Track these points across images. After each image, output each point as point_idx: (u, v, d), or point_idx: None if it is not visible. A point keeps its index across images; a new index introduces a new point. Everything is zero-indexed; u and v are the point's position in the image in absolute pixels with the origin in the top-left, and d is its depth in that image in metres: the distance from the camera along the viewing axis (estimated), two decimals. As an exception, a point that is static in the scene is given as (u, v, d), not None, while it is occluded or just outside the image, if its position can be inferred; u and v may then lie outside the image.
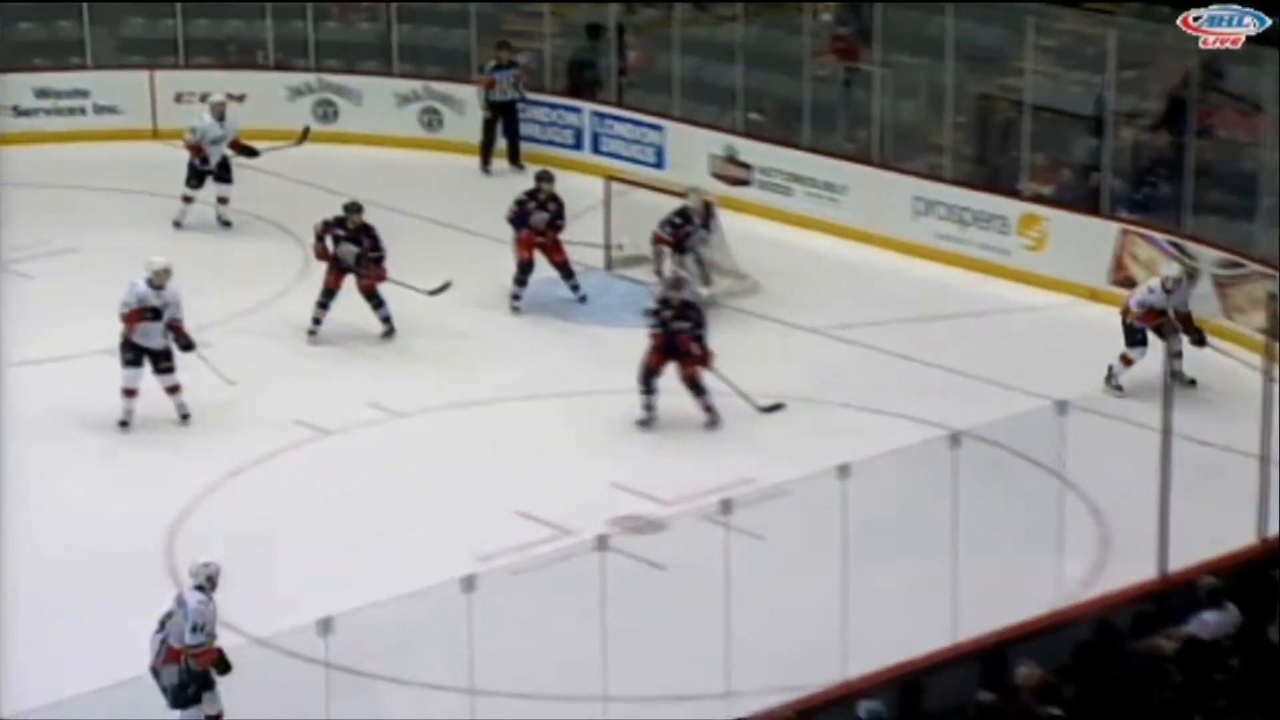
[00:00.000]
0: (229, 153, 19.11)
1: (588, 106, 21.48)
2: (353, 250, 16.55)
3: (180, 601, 10.91)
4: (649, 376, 15.19)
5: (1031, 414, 12.92)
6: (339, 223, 16.70)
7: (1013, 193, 18.89)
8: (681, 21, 21.14)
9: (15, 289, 17.37)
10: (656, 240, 17.52)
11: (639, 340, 16.40)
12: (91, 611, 12.39)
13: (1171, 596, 11.00)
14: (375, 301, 16.73)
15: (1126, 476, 13.99)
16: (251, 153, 19.19)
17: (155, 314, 14.79)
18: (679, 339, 15.13)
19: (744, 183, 20.34)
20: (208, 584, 10.93)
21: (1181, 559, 11.51)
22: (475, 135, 21.17)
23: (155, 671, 10.92)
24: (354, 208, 16.75)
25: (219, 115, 19.07)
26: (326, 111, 22.07)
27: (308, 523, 13.54)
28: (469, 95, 21.52)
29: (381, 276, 16.67)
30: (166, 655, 10.87)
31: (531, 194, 17.45)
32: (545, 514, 13.59)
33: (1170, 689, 8.99)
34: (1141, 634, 9.88)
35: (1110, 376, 15.82)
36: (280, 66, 22.34)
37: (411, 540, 13.33)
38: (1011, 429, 12.94)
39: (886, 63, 19.72)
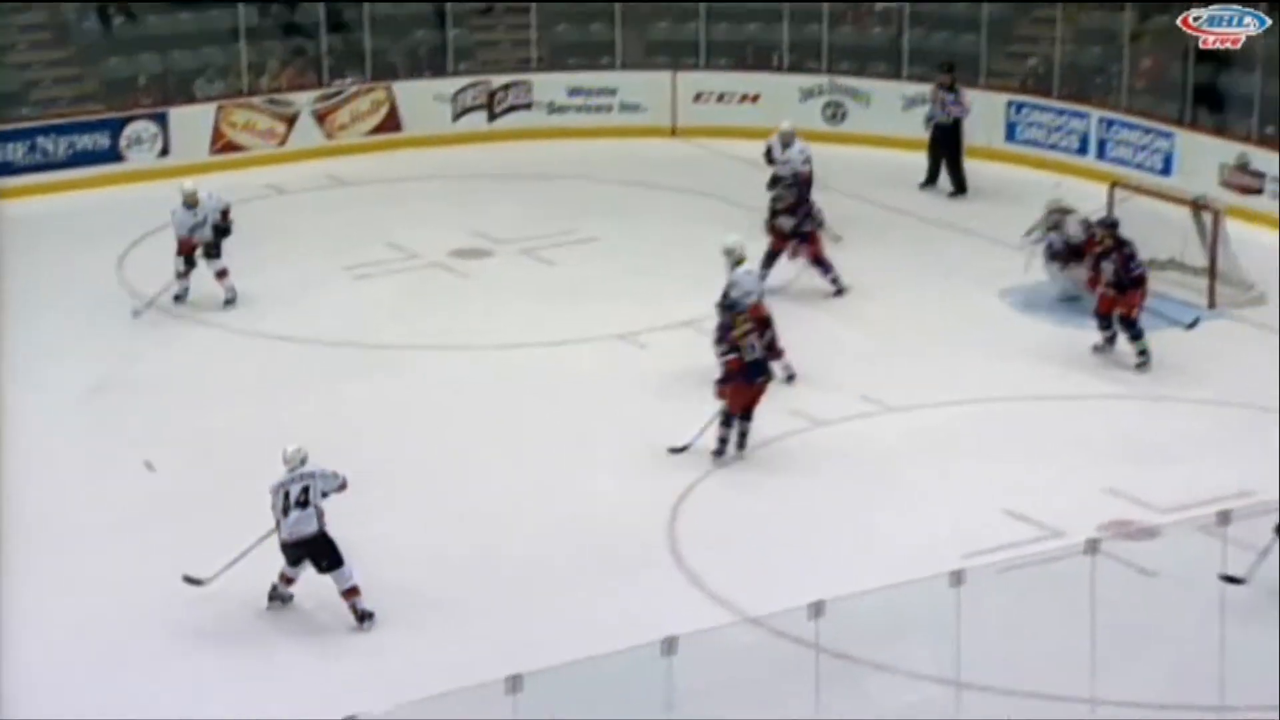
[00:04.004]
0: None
1: (1095, 112, 21.28)
2: (789, 222, 17.49)
3: (305, 477, 12.02)
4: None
5: None
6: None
7: None
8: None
9: (541, 274, 18.21)
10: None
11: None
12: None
13: None
14: (822, 268, 17.61)
15: None
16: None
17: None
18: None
19: (1256, 191, 19.84)
20: (300, 464, 12.11)
21: None
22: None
23: (319, 536, 12.01)
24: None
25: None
26: (835, 113, 22.50)
27: (796, 510, 13.75)
28: (975, 99, 21.52)
29: (808, 251, 17.55)
30: (320, 515, 12.04)
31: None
32: (1035, 514, 13.54)
33: None
34: None
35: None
36: (794, 68, 22.85)
37: (900, 532, 13.45)
38: None
39: None
